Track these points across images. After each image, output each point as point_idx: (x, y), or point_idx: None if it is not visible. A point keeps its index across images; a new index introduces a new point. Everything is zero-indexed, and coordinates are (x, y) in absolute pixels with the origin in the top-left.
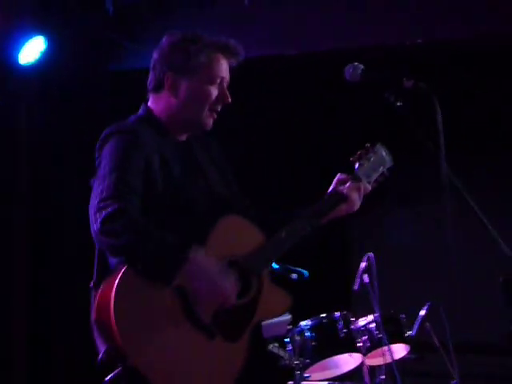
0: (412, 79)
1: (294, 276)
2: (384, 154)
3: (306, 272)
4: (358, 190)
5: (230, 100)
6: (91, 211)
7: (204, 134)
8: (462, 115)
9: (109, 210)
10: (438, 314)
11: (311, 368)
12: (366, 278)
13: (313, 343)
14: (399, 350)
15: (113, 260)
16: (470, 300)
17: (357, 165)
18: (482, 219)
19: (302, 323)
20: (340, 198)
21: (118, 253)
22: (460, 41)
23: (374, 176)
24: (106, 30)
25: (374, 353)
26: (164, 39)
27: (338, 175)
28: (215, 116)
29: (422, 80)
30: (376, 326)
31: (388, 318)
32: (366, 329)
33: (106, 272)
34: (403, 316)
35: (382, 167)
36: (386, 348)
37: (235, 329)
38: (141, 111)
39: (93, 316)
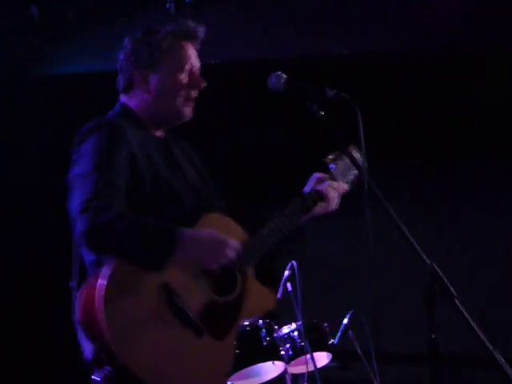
0: (334, 89)
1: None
2: (357, 155)
3: None
4: (336, 189)
5: (204, 84)
6: (74, 211)
7: (174, 136)
8: (384, 126)
9: (95, 209)
10: (361, 322)
11: (234, 376)
12: (289, 286)
13: (236, 351)
14: (322, 358)
15: (89, 258)
16: (393, 309)
17: (332, 165)
18: (402, 229)
19: None
20: (319, 196)
21: (108, 248)
22: (386, 53)
23: (350, 177)
24: (30, 35)
25: (296, 361)
26: (126, 40)
27: (316, 174)
28: (192, 104)
29: (346, 90)
30: (299, 335)
31: (311, 326)
32: (289, 337)
33: (86, 271)
34: (326, 324)
35: (355, 168)
36: (308, 356)
37: (222, 326)
38: (117, 109)
39: (78, 316)
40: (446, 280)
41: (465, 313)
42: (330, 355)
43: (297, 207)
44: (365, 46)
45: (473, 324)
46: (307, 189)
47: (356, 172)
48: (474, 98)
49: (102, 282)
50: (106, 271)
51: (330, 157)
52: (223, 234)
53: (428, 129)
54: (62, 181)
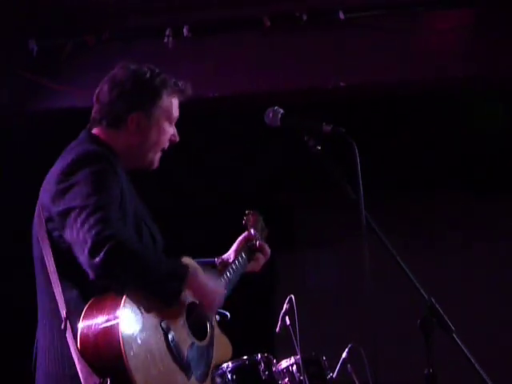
0: (331, 124)
1: (217, 317)
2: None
3: (227, 313)
4: (267, 250)
5: (178, 140)
6: (86, 246)
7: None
8: (381, 159)
9: (111, 243)
10: (360, 356)
11: None
12: (287, 320)
13: None
14: None
15: (70, 294)
16: (392, 342)
17: (252, 230)
18: (399, 262)
19: (224, 365)
20: (257, 249)
21: (126, 283)
22: (382, 85)
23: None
24: (29, 70)
25: None
26: (121, 70)
27: (246, 233)
28: (160, 155)
29: (343, 122)
30: (297, 368)
31: (309, 360)
32: (287, 371)
33: (78, 304)
34: (324, 358)
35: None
36: None
37: (203, 369)
38: (92, 145)
39: (82, 347)
40: (443, 314)
41: (463, 347)
42: None
43: (243, 260)
44: (362, 78)
45: (471, 358)
46: (237, 245)
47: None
48: (474, 133)
49: (113, 313)
50: (112, 301)
51: (247, 219)
52: None
53: (425, 161)
54: None
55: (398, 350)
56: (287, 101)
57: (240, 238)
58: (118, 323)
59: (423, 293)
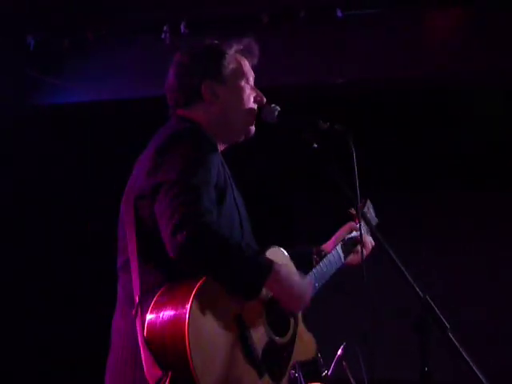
0: (328, 121)
1: None
2: (373, 210)
3: None
4: (369, 242)
5: (265, 100)
6: (172, 221)
7: None
8: (380, 156)
9: (197, 223)
10: (355, 353)
11: None
12: None
13: None
14: None
15: (151, 278)
16: (387, 339)
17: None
18: (395, 260)
19: None
20: (357, 241)
21: (204, 268)
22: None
23: (369, 231)
24: (26, 65)
25: None
26: (179, 55)
27: (351, 223)
28: (254, 121)
29: (341, 119)
30: (292, 366)
31: None
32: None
33: (151, 288)
34: (320, 355)
35: (373, 223)
36: None
37: (279, 368)
38: (185, 123)
39: (149, 336)
40: (438, 312)
41: (457, 345)
42: None
43: (339, 252)
44: (360, 75)
45: (465, 356)
46: (339, 235)
47: (372, 227)
48: (474, 131)
49: (183, 307)
50: (185, 289)
51: (353, 210)
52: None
53: (428, 157)
54: (63, 207)
55: (394, 348)
56: (285, 97)
57: (342, 228)
58: (186, 316)
59: (418, 291)
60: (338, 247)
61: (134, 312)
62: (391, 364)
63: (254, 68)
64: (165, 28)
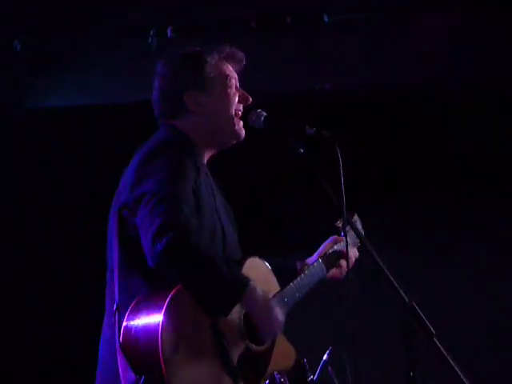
0: (314, 127)
1: None
2: (359, 224)
3: None
4: (353, 256)
5: (250, 99)
6: (151, 230)
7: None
8: (366, 163)
9: (185, 229)
10: (341, 358)
11: None
12: None
13: None
14: None
15: (136, 281)
16: (372, 344)
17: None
18: (381, 266)
19: None
20: (341, 255)
21: (180, 277)
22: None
23: (356, 244)
24: (14, 67)
25: None
26: (161, 65)
27: (333, 236)
28: (241, 122)
29: (327, 125)
30: (278, 371)
31: None
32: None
33: (130, 295)
34: (305, 360)
35: (359, 237)
36: None
37: (254, 376)
38: (169, 134)
39: (124, 341)
40: (424, 318)
41: (443, 351)
42: None
43: (321, 265)
44: (348, 81)
45: (451, 362)
46: (323, 249)
47: (358, 241)
48: (466, 133)
49: (158, 310)
50: (160, 296)
51: (339, 223)
52: (263, 281)
53: (411, 167)
54: (52, 211)
55: (379, 352)
56: (271, 102)
57: (326, 242)
58: (159, 322)
59: (404, 296)
60: (318, 261)
61: (113, 319)
62: (377, 371)
63: (239, 72)
64: (151, 32)
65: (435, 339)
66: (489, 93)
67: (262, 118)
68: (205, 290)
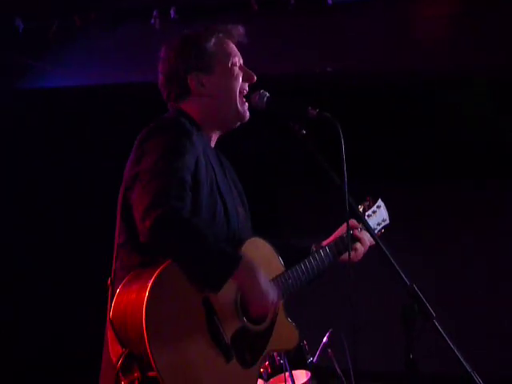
0: (317, 108)
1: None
2: (384, 210)
3: None
4: (368, 240)
5: (255, 77)
6: (147, 204)
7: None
8: (368, 144)
9: (172, 206)
10: (340, 340)
11: None
12: None
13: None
14: (301, 376)
15: (134, 259)
16: (372, 327)
17: (365, 215)
18: (382, 248)
19: None
20: (356, 239)
21: (169, 253)
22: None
23: (377, 230)
24: (15, 49)
25: (275, 379)
26: (164, 50)
27: (352, 220)
28: (246, 101)
29: (329, 108)
30: (277, 352)
31: None
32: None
33: (126, 270)
34: (305, 342)
35: (383, 223)
36: (287, 374)
37: (250, 355)
38: (171, 115)
39: (114, 315)
40: (424, 300)
41: (443, 333)
42: (309, 373)
43: (335, 248)
44: (349, 64)
45: (451, 344)
46: (340, 231)
47: (382, 226)
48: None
49: (145, 284)
50: (150, 272)
51: (367, 203)
52: (264, 262)
53: (415, 149)
54: (52, 194)
55: (378, 335)
56: (273, 85)
57: (343, 225)
58: (145, 297)
59: (405, 279)
60: (332, 244)
61: (107, 292)
62: (377, 353)
63: (243, 49)
64: (154, 13)
65: (435, 321)
66: (488, 80)
67: (265, 99)
68: (193, 264)
